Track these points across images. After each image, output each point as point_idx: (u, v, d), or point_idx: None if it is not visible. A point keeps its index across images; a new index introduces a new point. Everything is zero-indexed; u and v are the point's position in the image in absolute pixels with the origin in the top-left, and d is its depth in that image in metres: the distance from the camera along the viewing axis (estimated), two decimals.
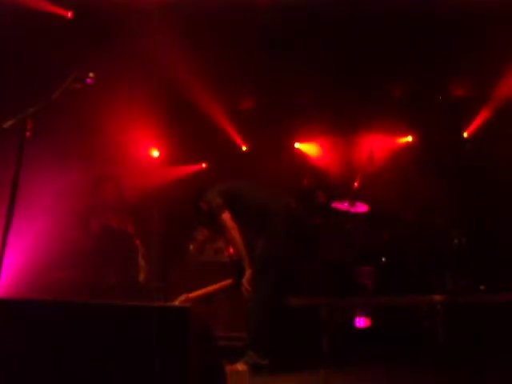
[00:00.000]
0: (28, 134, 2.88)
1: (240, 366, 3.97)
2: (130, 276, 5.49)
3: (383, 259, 5.76)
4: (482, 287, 5.29)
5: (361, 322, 5.20)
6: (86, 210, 5.73)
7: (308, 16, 6.14)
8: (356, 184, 5.84)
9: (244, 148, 7.97)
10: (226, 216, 4.21)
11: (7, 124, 2.85)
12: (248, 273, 4.18)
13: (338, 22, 6.25)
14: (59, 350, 2.29)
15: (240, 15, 6.03)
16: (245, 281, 4.17)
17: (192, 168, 7.76)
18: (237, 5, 5.81)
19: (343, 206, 5.69)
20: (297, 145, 8.01)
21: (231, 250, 4.72)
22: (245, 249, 4.20)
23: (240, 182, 4.59)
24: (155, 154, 7.92)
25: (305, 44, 6.59)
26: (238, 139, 7.84)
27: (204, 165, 7.84)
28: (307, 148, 8.04)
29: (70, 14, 6.17)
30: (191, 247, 4.37)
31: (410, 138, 7.65)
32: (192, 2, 5.93)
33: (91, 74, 3.05)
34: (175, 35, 6.10)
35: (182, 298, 4.38)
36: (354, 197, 5.70)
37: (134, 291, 5.37)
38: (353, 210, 5.58)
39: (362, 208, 5.71)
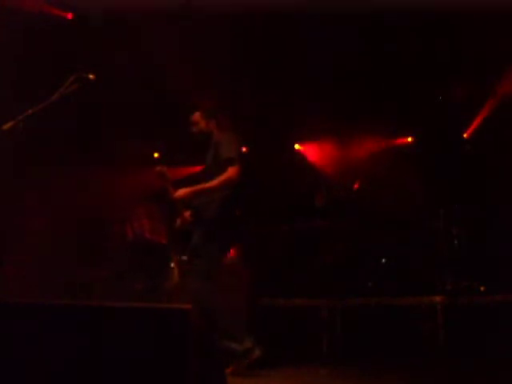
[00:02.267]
0: (28, 135, 2.88)
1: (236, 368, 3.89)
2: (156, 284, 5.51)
3: (383, 260, 5.76)
4: (481, 288, 5.29)
5: (360, 322, 5.20)
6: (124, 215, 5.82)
7: (308, 17, 6.14)
8: (356, 185, 5.84)
9: (244, 149, 7.97)
10: (236, 170, 3.89)
11: (7, 126, 2.85)
12: (183, 191, 4.01)
13: (338, 23, 6.25)
14: (58, 352, 2.29)
15: (240, 16, 6.03)
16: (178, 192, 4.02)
17: (192, 169, 7.76)
18: (237, 5, 5.82)
19: None
20: (297, 146, 8.01)
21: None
22: (204, 191, 3.98)
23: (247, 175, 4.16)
24: (155, 155, 7.93)
25: (305, 45, 6.59)
26: None
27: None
28: (307, 149, 8.04)
29: (70, 16, 6.19)
30: (178, 222, 4.20)
31: (409, 139, 7.66)
32: (192, 5, 5.94)
33: (91, 76, 3.05)
34: (175, 36, 6.11)
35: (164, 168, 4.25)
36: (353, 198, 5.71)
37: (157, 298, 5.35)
38: None
39: None
